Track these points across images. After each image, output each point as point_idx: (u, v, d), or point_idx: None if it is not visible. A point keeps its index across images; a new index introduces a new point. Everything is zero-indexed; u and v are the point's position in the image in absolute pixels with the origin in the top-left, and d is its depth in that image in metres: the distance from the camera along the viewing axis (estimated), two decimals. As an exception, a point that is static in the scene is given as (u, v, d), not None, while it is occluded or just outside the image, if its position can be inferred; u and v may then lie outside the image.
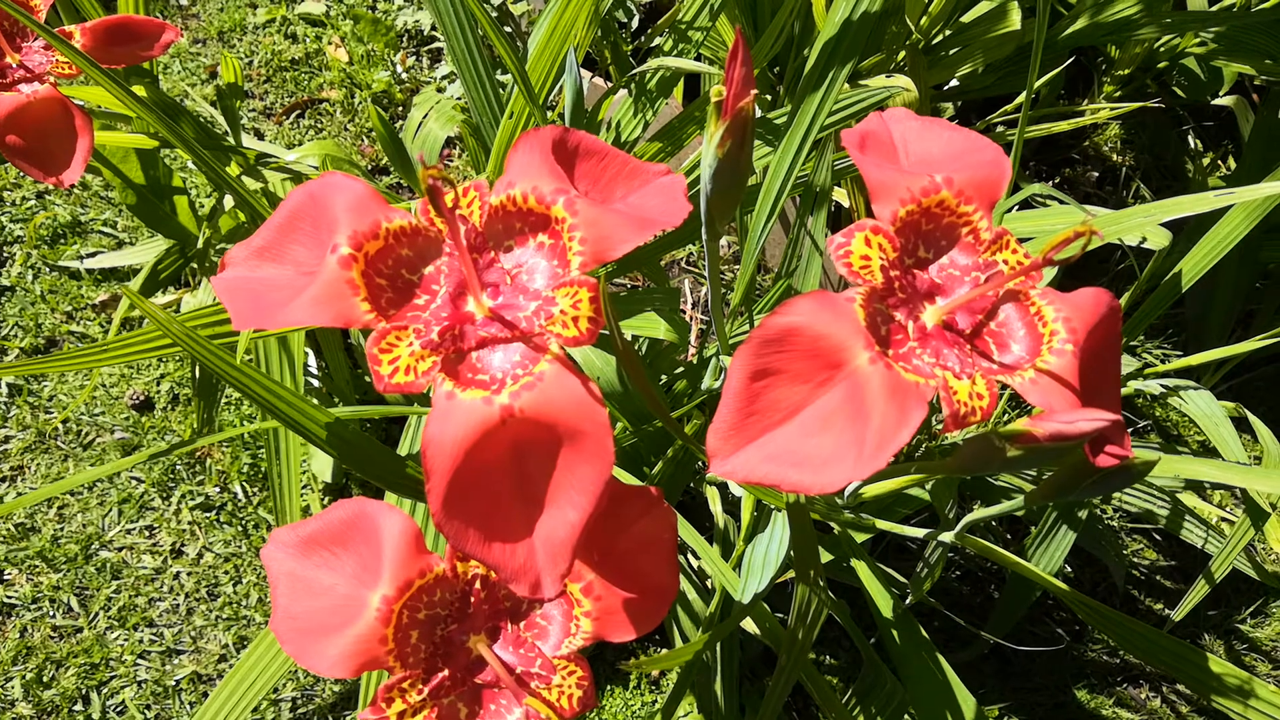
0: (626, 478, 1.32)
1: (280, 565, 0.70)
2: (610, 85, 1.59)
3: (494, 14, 1.78)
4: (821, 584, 0.82)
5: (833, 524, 1.22)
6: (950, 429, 0.62)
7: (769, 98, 1.90)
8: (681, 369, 1.57)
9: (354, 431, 0.93)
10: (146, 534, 1.86)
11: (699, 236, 1.46)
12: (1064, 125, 1.60)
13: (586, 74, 1.79)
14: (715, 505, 1.47)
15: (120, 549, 1.85)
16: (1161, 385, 1.53)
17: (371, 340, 0.60)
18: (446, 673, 0.69)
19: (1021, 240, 0.70)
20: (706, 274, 0.80)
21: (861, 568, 1.35)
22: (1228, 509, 1.97)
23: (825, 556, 1.53)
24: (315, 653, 0.65)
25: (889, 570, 1.50)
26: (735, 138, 0.66)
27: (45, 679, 1.74)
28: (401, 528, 0.67)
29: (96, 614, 1.80)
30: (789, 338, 0.62)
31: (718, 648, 1.46)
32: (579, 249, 0.61)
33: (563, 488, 0.60)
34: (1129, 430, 1.99)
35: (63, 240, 2.10)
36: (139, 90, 1.42)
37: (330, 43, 2.31)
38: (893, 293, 0.66)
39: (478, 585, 0.70)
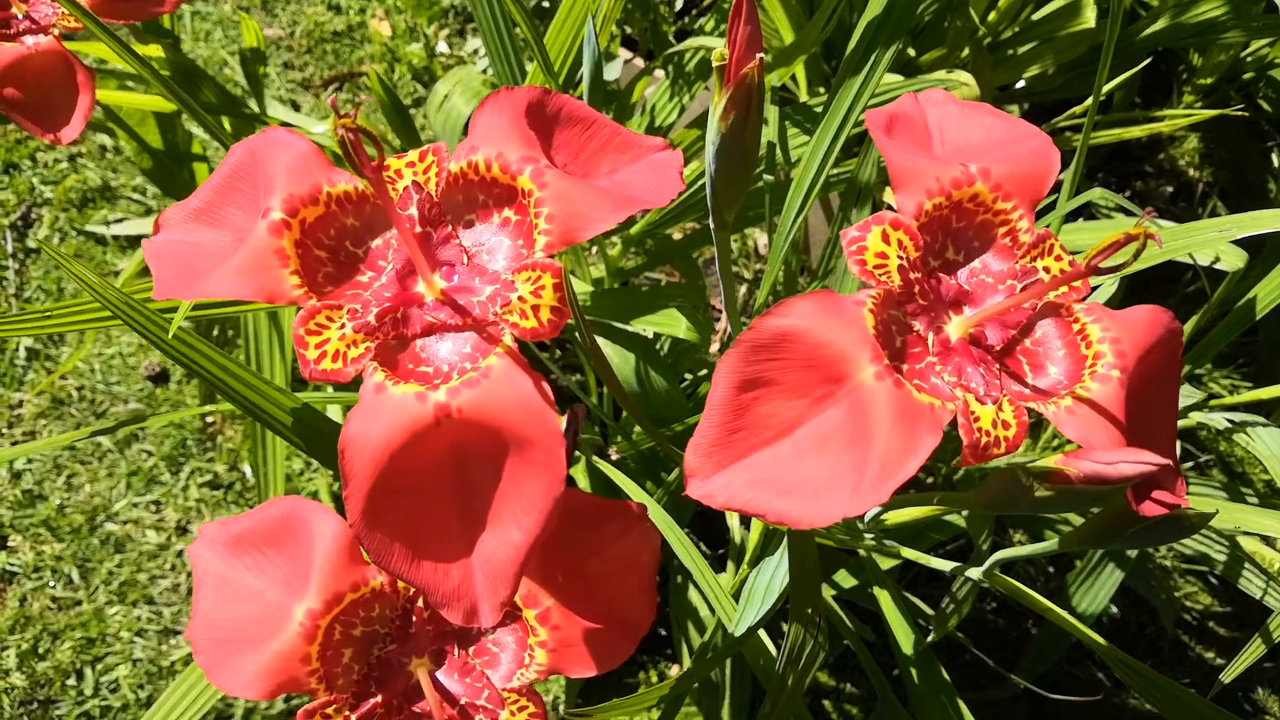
0: (637, 492, 1.23)
1: (207, 565, 0.62)
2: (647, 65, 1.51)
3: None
4: (821, 624, 0.73)
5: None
6: (968, 461, 0.52)
7: (822, 89, 1.79)
8: (706, 370, 1.48)
9: (327, 419, 0.86)
10: (153, 509, 1.82)
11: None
12: (1136, 131, 1.47)
13: (627, 53, 1.71)
14: (733, 519, 1.37)
15: (125, 522, 1.80)
16: (1227, 419, 1.40)
17: (299, 320, 0.52)
18: (380, 699, 0.61)
19: (1075, 254, 0.60)
20: (718, 269, 0.72)
21: (884, 597, 1.25)
22: (1292, 555, 1.83)
23: (849, 581, 1.43)
24: (228, 668, 0.57)
25: (916, 600, 1.39)
26: (739, 109, 0.57)
27: (41, 650, 1.71)
28: (334, 534, 0.59)
29: (97, 588, 1.76)
30: (784, 343, 0.53)
31: (727, 669, 1.37)
32: (545, 227, 0.53)
33: (507, 502, 0.51)
34: (1189, 465, 1.86)
35: (92, 204, 2.07)
36: (156, 50, 1.37)
37: (374, 16, 2.26)
38: (912, 298, 0.57)
39: (420, 603, 0.62)
